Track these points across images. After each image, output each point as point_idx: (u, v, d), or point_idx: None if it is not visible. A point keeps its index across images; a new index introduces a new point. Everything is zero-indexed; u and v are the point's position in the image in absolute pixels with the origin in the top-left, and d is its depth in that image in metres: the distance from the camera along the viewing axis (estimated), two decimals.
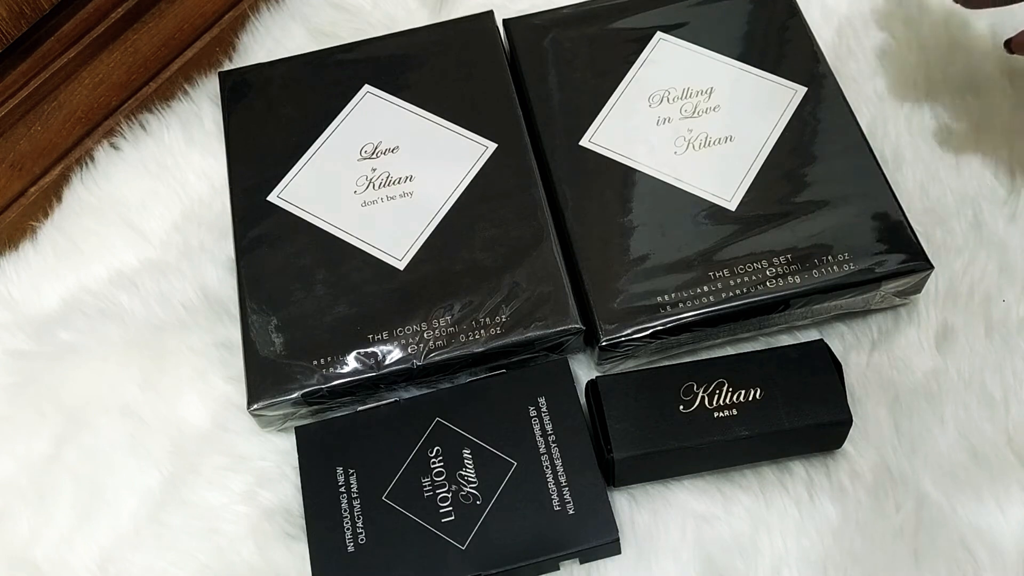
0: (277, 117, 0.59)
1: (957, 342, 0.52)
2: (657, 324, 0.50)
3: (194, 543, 0.50)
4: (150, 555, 0.50)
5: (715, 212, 0.53)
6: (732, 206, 0.53)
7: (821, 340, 0.49)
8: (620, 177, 0.55)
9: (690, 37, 0.60)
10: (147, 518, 0.51)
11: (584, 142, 0.56)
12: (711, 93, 0.57)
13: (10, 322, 0.57)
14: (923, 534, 0.48)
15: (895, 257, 0.51)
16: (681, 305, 0.50)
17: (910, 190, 0.56)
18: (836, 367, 0.48)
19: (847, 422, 0.47)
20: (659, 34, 0.60)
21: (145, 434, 0.53)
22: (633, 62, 0.59)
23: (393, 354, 0.51)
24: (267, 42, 0.66)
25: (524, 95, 0.59)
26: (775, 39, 0.59)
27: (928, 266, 0.50)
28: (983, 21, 0.61)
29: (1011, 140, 0.57)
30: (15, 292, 0.59)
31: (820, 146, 0.55)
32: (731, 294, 0.50)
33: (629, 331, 0.50)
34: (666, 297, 0.51)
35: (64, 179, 0.62)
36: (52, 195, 0.62)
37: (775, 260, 0.51)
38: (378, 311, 0.52)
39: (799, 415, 0.47)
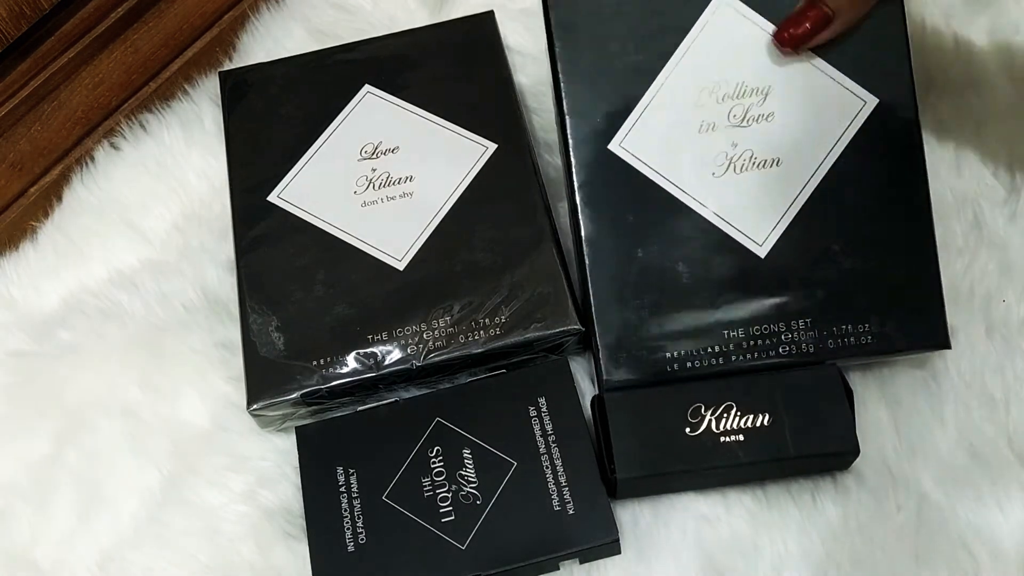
0: (277, 117, 0.59)
1: (957, 342, 0.52)
2: None
3: (194, 543, 0.50)
4: (150, 555, 0.50)
5: None
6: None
7: (834, 365, 0.48)
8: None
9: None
10: (147, 518, 0.51)
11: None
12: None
13: (10, 322, 0.57)
14: (923, 534, 0.48)
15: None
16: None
17: None
18: (847, 394, 0.48)
19: (854, 452, 0.47)
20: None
21: (145, 434, 0.53)
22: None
23: (393, 354, 0.51)
24: (267, 42, 0.66)
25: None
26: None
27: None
28: (983, 20, 0.61)
29: (1011, 140, 0.57)
30: (15, 292, 0.59)
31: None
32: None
33: None
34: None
35: (64, 179, 0.62)
36: (52, 195, 0.62)
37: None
38: (378, 311, 0.52)
39: (806, 444, 0.46)
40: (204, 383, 0.54)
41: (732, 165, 0.49)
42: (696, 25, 0.50)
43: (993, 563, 0.47)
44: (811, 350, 0.48)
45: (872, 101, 0.49)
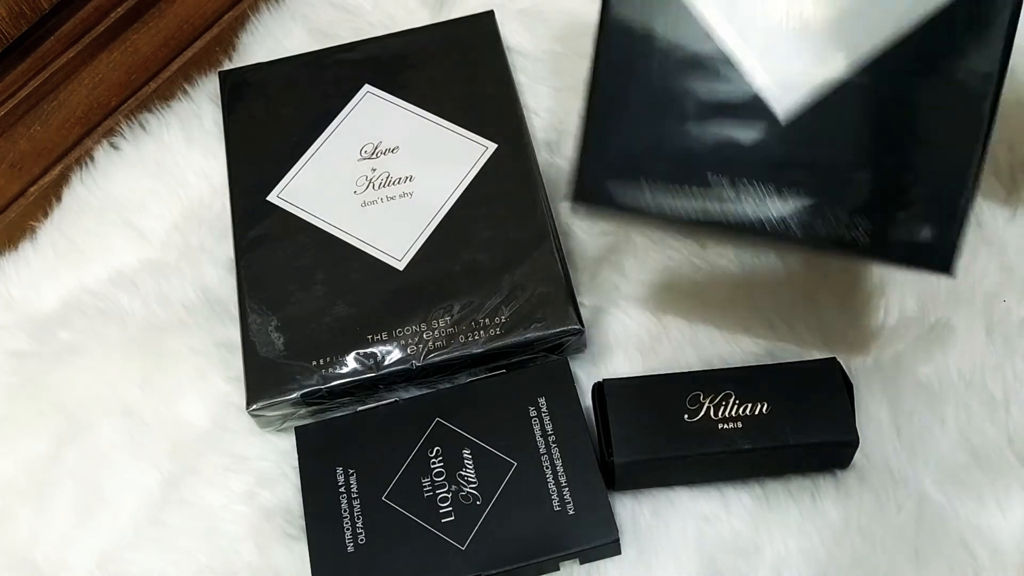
0: (277, 117, 0.59)
1: (958, 342, 0.52)
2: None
3: (194, 543, 0.50)
4: (150, 555, 0.50)
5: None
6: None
7: (834, 358, 0.49)
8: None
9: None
10: (147, 518, 0.51)
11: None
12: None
13: (10, 322, 0.57)
14: (924, 535, 0.48)
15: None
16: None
17: None
18: (847, 386, 0.48)
19: (853, 443, 0.47)
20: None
21: (145, 434, 0.53)
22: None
23: (392, 354, 0.51)
24: (267, 42, 0.66)
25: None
26: None
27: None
28: None
29: (1011, 140, 0.57)
30: (15, 292, 0.59)
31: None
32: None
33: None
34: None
35: (64, 179, 0.62)
36: (52, 195, 0.62)
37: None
38: (377, 311, 0.52)
39: (804, 432, 0.46)
40: (204, 383, 0.54)
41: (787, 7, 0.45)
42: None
43: (993, 563, 0.47)
44: (850, 235, 0.43)
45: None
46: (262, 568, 0.49)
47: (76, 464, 0.53)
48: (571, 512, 0.47)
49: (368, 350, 0.51)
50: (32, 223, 0.61)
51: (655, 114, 0.43)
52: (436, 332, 0.51)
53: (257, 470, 0.52)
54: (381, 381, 0.51)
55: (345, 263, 0.54)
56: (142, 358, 0.55)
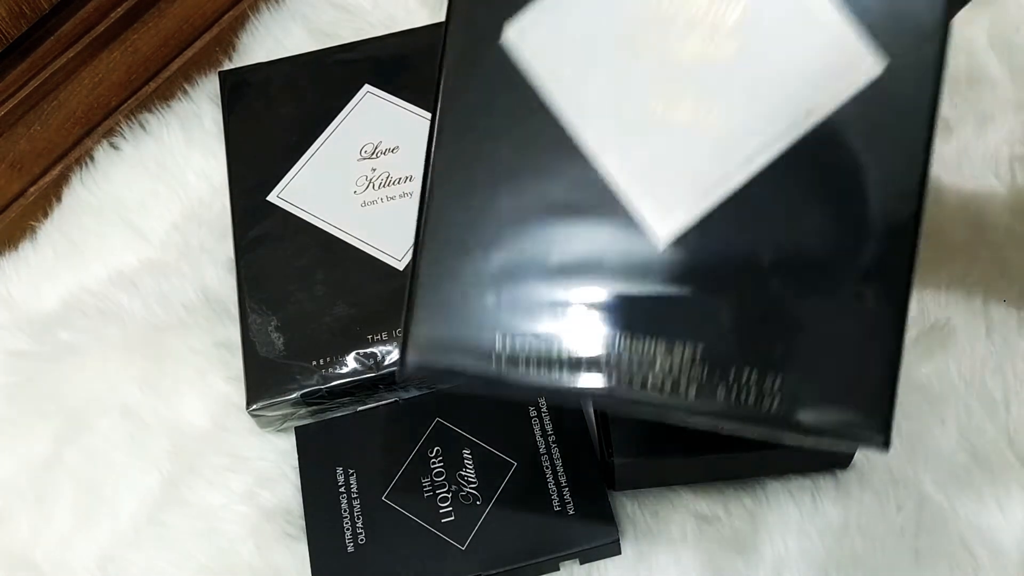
0: (277, 117, 0.59)
1: (957, 342, 0.52)
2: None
3: (194, 543, 0.50)
4: (150, 555, 0.50)
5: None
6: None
7: None
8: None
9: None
10: (147, 518, 0.51)
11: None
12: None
13: (9, 322, 0.57)
14: (924, 535, 0.48)
15: None
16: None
17: None
18: None
19: None
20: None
21: (145, 434, 0.53)
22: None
23: (393, 354, 0.51)
24: (267, 42, 0.66)
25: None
26: None
27: None
28: (983, 20, 0.61)
29: (1012, 139, 0.57)
30: (15, 292, 0.59)
31: None
32: None
33: None
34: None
35: (64, 179, 0.62)
36: (52, 195, 0.62)
37: None
38: (378, 311, 0.52)
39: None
40: (204, 383, 0.54)
41: (660, 106, 0.35)
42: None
43: (993, 563, 0.47)
44: (691, 395, 0.33)
45: None
46: (262, 568, 0.49)
47: (76, 464, 0.53)
48: (571, 512, 0.47)
49: (368, 350, 0.51)
50: (32, 223, 0.61)
51: (502, 250, 0.34)
52: None
53: (257, 470, 0.52)
54: (381, 381, 0.51)
55: (345, 263, 0.53)
56: (142, 358, 0.55)
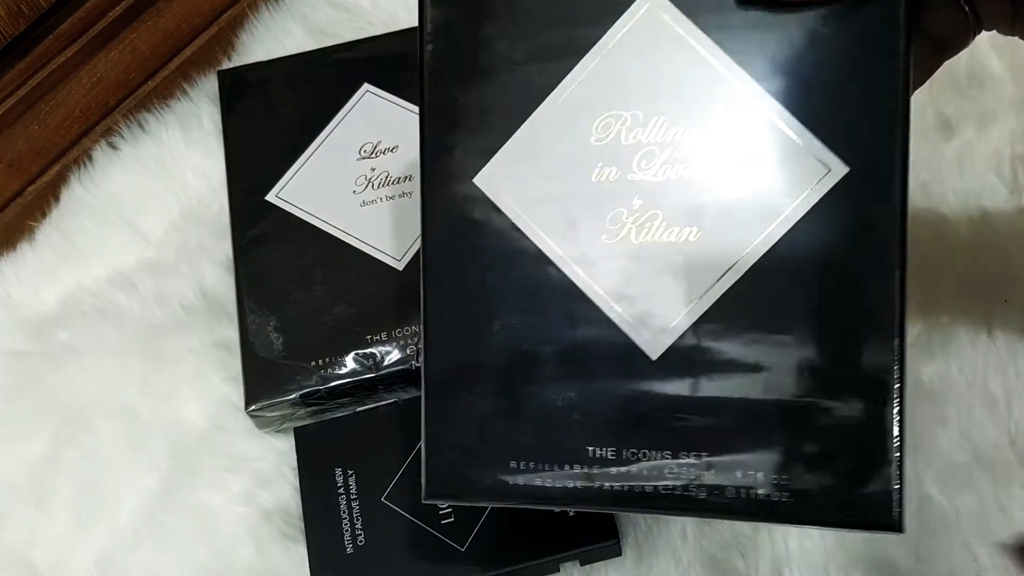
0: (276, 116, 0.59)
1: (959, 343, 0.52)
2: None
3: (192, 544, 0.50)
4: (148, 556, 0.50)
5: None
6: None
7: None
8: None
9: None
10: (145, 519, 0.51)
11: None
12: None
13: (8, 322, 0.57)
14: (924, 534, 0.47)
15: None
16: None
17: (912, 189, 0.56)
18: None
19: None
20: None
21: (143, 435, 0.53)
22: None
23: (392, 355, 0.51)
24: (266, 41, 0.66)
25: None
26: None
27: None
28: None
29: (1014, 138, 0.57)
30: (13, 292, 0.59)
31: None
32: None
33: None
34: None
35: (62, 179, 0.62)
36: (50, 195, 0.62)
37: None
38: (377, 312, 0.52)
39: None
40: (202, 383, 0.54)
41: (632, 229, 0.36)
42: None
43: (994, 564, 0.47)
44: (701, 495, 0.35)
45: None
46: (261, 569, 0.49)
47: (74, 465, 0.53)
48: (571, 513, 0.47)
49: (367, 350, 0.51)
50: (30, 223, 0.61)
51: (506, 379, 0.36)
52: None
53: (256, 471, 0.52)
54: (381, 382, 0.51)
55: (344, 263, 0.53)
56: (140, 358, 0.55)
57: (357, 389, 0.51)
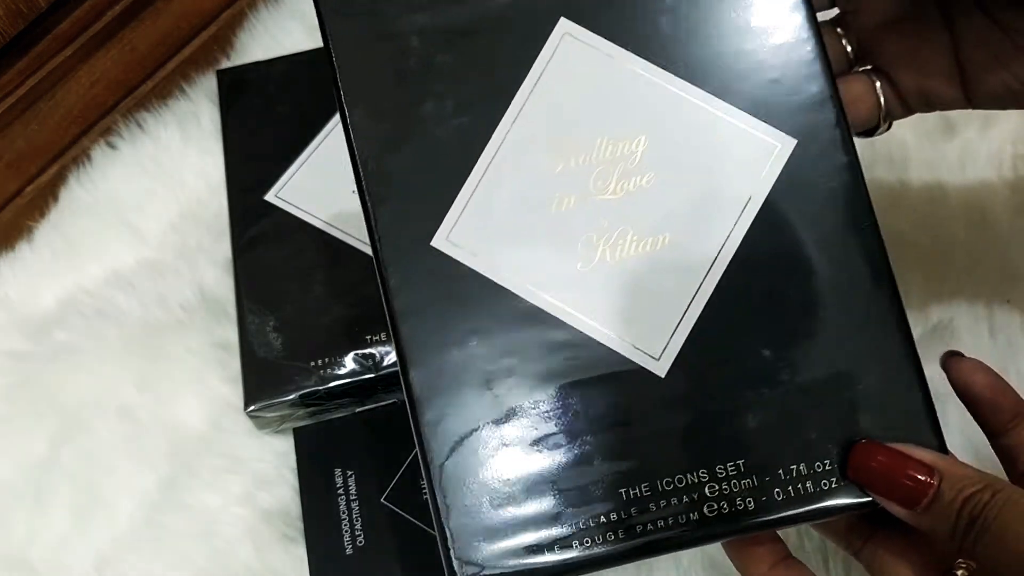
0: (275, 115, 0.59)
1: (960, 343, 0.51)
2: None
3: (191, 545, 0.50)
4: (147, 557, 0.50)
5: None
6: None
7: None
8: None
9: None
10: (144, 520, 0.51)
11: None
12: None
13: (6, 322, 0.57)
14: None
15: None
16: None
17: (914, 189, 0.56)
18: None
19: None
20: None
21: (142, 435, 0.53)
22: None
23: (392, 355, 0.50)
24: (265, 40, 0.66)
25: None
26: None
27: None
28: None
29: (1015, 138, 0.57)
30: (11, 292, 0.58)
31: None
32: None
33: None
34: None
35: (61, 178, 0.62)
36: (49, 195, 0.62)
37: None
38: (377, 312, 0.51)
39: None
40: (201, 384, 0.54)
41: (607, 250, 0.35)
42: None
43: None
44: (751, 506, 0.34)
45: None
46: (260, 570, 0.49)
47: (73, 465, 0.52)
48: None
49: (367, 351, 0.51)
50: (29, 223, 0.61)
51: (516, 450, 0.34)
52: None
53: (255, 472, 0.52)
54: (380, 382, 0.51)
55: (343, 263, 0.53)
56: (139, 359, 0.55)
57: (356, 389, 0.51)
